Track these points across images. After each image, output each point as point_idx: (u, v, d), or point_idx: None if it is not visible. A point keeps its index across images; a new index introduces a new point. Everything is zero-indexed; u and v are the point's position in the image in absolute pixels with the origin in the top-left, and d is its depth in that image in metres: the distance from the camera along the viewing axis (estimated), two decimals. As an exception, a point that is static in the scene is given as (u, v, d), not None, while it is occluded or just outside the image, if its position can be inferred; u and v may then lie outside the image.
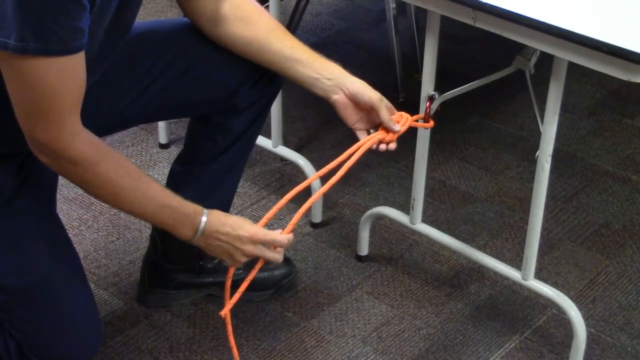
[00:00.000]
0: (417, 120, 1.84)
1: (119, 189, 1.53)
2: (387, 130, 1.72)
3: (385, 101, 1.72)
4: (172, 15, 3.22)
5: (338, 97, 1.71)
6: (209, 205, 1.96)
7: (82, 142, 1.46)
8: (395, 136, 1.72)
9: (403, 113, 1.77)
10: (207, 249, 1.64)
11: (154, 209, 1.57)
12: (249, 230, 1.60)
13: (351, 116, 1.72)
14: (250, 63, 1.78)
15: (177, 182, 1.93)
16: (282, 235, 1.63)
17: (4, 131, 1.52)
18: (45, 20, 1.31)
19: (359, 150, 1.68)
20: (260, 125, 1.91)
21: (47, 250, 1.62)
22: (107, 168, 1.50)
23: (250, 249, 1.61)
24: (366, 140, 1.70)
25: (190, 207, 1.60)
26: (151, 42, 1.78)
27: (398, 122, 1.73)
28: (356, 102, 1.71)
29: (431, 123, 1.86)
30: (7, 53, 1.33)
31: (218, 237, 1.61)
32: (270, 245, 1.63)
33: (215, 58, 1.78)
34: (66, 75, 1.39)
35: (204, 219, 1.59)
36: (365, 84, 1.72)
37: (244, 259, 1.64)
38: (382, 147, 1.73)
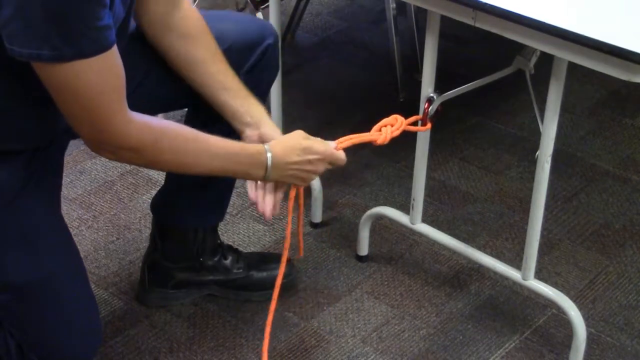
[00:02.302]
0: (415, 123, 1.84)
1: (184, 157, 1.58)
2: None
3: None
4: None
5: (250, 134, 1.74)
6: (206, 201, 1.96)
7: (136, 127, 1.50)
8: (388, 139, 1.75)
9: (397, 116, 1.78)
10: (281, 180, 1.69)
11: (221, 162, 1.61)
12: (317, 151, 1.67)
13: None
14: (244, 52, 1.78)
15: (175, 178, 1.94)
16: (341, 154, 1.71)
17: (10, 128, 1.53)
18: (74, 26, 1.34)
19: (354, 139, 1.73)
20: None
21: (51, 250, 1.63)
22: (167, 143, 1.54)
23: (320, 167, 1.69)
24: (360, 136, 1.74)
25: (252, 148, 1.64)
26: (143, 38, 1.78)
27: (392, 125, 1.75)
28: None
29: (428, 125, 1.87)
30: (43, 64, 1.36)
31: (288, 167, 1.66)
32: (334, 162, 1.71)
33: None
34: (106, 73, 1.41)
35: (269, 154, 1.63)
36: (279, 133, 1.75)
37: (315, 177, 1.72)
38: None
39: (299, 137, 1.68)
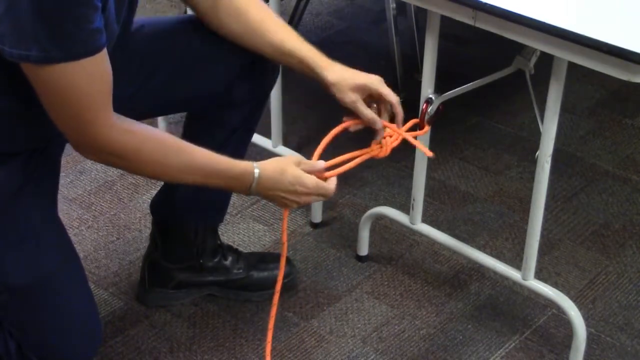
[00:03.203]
0: (413, 126, 1.84)
1: (165, 166, 1.57)
2: (380, 145, 1.76)
3: (375, 87, 1.73)
4: (172, 15, 3.22)
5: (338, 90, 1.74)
6: (206, 202, 1.97)
7: (119, 132, 1.49)
8: (389, 151, 1.76)
9: (394, 126, 1.78)
10: (264, 198, 1.70)
11: (202, 177, 1.61)
12: (306, 184, 1.65)
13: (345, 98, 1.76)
14: (245, 56, 1.79)
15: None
16: (330, 186, 1.69)
17: (8, 130, 1.53)
18: (64, 28, 1.33)
19: (356, 160, 1.74)
20: (256, 119, 1.92)
21: (50, 250, 1.63)
22: (148, 151, 1.54)
23: (305, 199, 1.68)
24: (361, 154, 1.74)
25: (238, 167, 1.63)
26: (148, 39, 1.78)
27: (391, 137, 1.76)
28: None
29: (425, 129, 1.87)
30: (31, 65, 1.36)
31: (273, 192, 1.65)
32: (321, 196, 1.70)
33: (209, 52, 1.79)
34: (93, 76, 1.41)
35: (255, 176, 1.62)
36: (346, 76, 1.73)
37: (296, 207, 1.71)
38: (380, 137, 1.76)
39: (291, 164, 1.66)
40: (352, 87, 1.72)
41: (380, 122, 1.74)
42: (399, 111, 1.75)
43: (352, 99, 1.73)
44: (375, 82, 1.73)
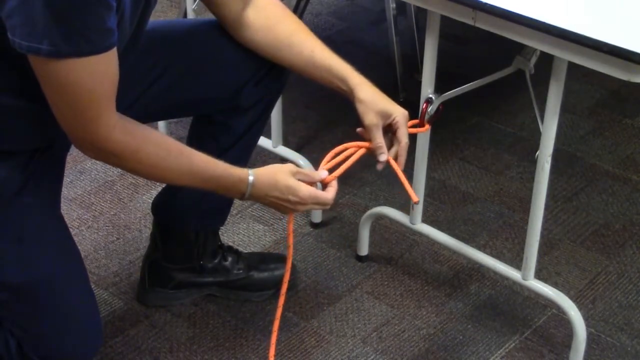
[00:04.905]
0: (413, 126, 1.84)
1: (163, 170, 1.59)
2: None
3: (396, 120, 1.73)
4: (172, 15, 3.22)
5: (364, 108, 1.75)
6: (208, 206, 1.96)
7: (119, 133, 1.50)
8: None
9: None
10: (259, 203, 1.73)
11: (199, 182, 1.63)
12: (299, 195, 1.65)
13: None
14: (254, 62, 1.79)
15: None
16: (328, 195, 1.69)
17: (9, 129, 1.53)
18: (76, 24, 1.34)
19: (353, 156, 1.74)
20: (262, 125, 1.92)
21: (51, 249, 1.63)
22: (147, 153, 1.54)
23: (300, 208, 1.68)
24: (355, 150, 1.75)
25: (235, 175, 1.64)
26: (164, 39, 1.79)
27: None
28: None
29: (426, 127, 1.87)
30: (40, 58, 1.37)
31: (267, 199, 1.66)
32: (317, 205, 1.70)
33: (219, 57, 1.79)
34: (99, 74, 1.42)
35: (249, 184, 1.63)
36: (376, 98, 1.74)
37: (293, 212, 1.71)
38: (379, 167, 1.77)
39: (286, 174, 1.65)
40: (378, 110, 1.73)
41: (386, 155, 1.74)
42: (403, 154, 1.75)
43: (374, 121, 1.73)
44: (400, 116, 1.74)
